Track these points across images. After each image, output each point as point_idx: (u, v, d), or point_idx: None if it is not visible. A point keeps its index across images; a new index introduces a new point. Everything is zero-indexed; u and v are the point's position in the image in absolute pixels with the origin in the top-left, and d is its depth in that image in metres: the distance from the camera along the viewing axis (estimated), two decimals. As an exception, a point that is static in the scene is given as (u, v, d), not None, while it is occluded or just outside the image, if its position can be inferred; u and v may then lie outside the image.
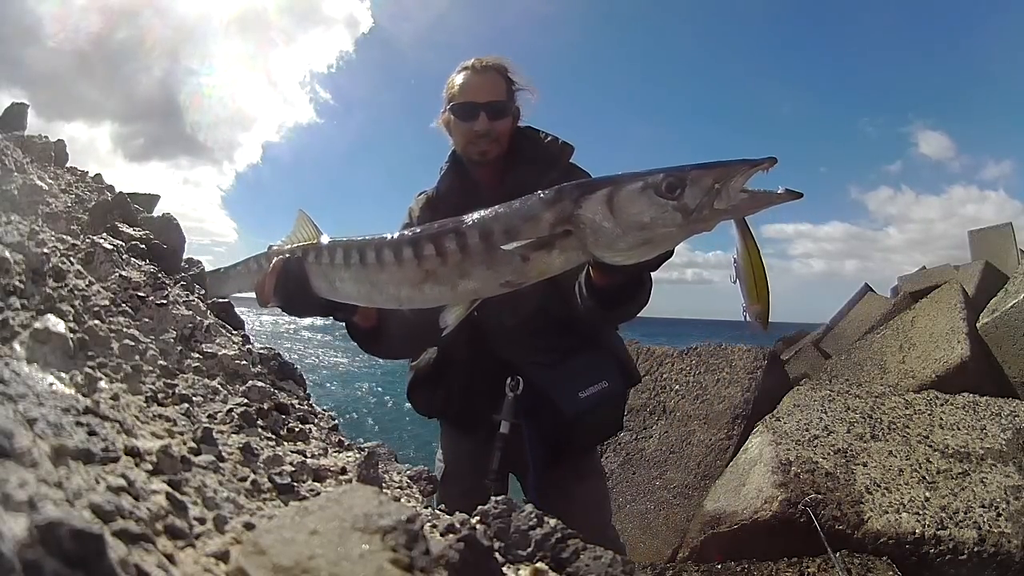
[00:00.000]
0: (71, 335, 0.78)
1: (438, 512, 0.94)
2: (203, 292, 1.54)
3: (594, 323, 1.39)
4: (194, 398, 0.92)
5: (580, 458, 1.59)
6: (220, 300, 1.53)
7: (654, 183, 0.85)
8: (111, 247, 1.34)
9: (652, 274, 1.14)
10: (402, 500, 1.06)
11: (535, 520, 0.72)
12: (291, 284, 1.21)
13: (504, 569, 0.63)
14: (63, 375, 0.68)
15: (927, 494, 2.28)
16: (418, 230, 1.07)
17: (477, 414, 1.47)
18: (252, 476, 0.75)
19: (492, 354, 1.44)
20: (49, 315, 0.79)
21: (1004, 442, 2.49)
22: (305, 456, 0.92)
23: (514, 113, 1.50)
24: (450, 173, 1.56)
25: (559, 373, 1.38)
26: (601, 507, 1.63)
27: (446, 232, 0.99)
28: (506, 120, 1.48)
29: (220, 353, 1.16)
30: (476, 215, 0.98)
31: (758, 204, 0.86)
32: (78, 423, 0.56)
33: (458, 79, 1.49)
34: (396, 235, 1.09)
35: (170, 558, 0.47)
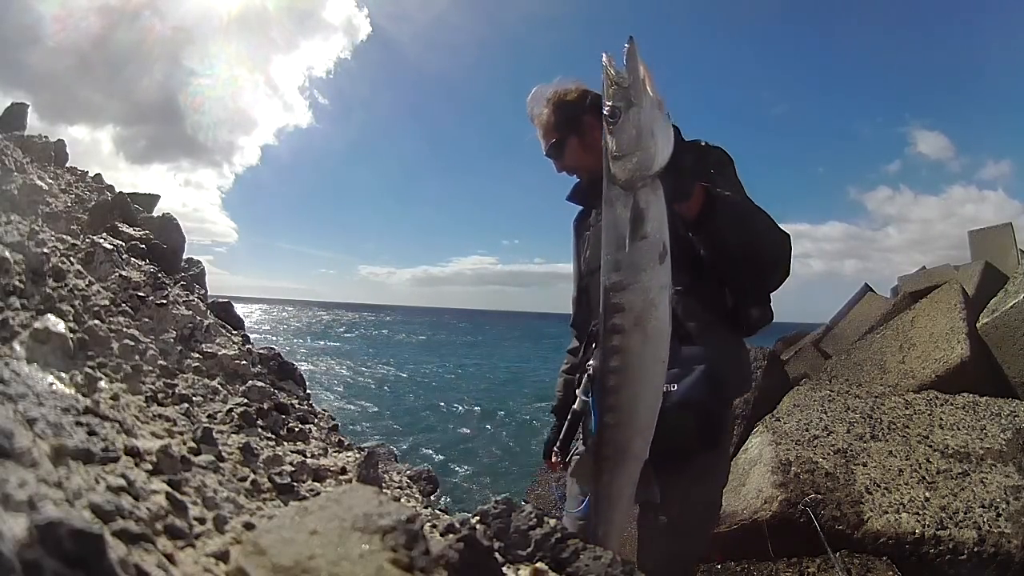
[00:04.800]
0: (71, 335, 0.78)
1: (438, 512, 0.94)
2: (203, 292, 1.55)
3: (740, 285, 1.29)
4: (194, 398, 0.92)
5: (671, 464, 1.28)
6: (220, 300, 1.52)
7: (607, 131, 1.03)
8: (111, 247, 1.34)
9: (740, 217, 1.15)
10: (402, 500, 1.06)
11: (535, 520, 0.72)
12: None
13: (504, 569, 0.63)
14: (63, 375, 0.68)
15: (927, 494, 2.28)
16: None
17: None
18: (252, 476, 0.75)
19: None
20: (49, 315, 0.79)
21: (1004, 442, 2.49)
22: (305, 456, 0.92)
23: (580, 131, 1.48)
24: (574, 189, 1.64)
25: None
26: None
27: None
28: (572, 149, 1.50)
29: (220, 353, 1.16)
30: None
31: (631, 57, 1.02)
32: (78, 423, 0.56)
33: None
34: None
35: (170, 558, 0.47)
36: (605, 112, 1.03)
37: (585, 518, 1.25)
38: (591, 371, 1.30)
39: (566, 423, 1.46)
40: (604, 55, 1.06)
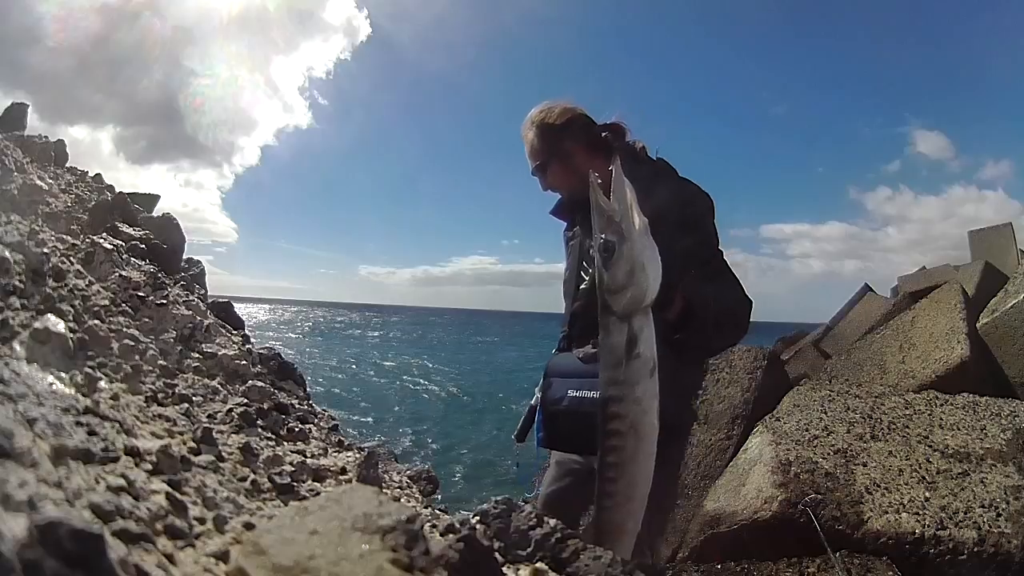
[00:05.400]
0: (71, 335, 0.78)
1: (438, 512, 0.94)
2: (203, 292, 1.55)
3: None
4: (194, 398, 0.92)
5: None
6: (220, 300, 1.53)
7: (603, 265, 1.12)
8: (111, 247, 1.34)
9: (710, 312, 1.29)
10: (402, 500, 1.06)
11: (535, 520, 0.72)
12: None
13: (504, 569, 0.63)
14: (63, 375, 0.68)
15: (927, 494, 2.28)
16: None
17: None
18: (252, 476, 0.75)
19: (575, 341, 1.61)
20: (49, 315, 0.79)
21: (1004, 442, 2.48)
22: (305, 456, 0.92)
23: (562, 155, 1.57)
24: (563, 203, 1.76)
25: (570, 364, 1.46)
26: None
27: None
28: (553, 172, 1.60)
29: (220, 353, 1.16)
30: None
31: (618, 181, 1.13)
32: (78, 423, 0.56)
33: None
34: None
35: (170, 558, 0.47)
36: (599, 245, 1.12)
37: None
38: (547, 369, 1.52)
39: (524, 414, 1.64)
40: (592, 174, 1.16)
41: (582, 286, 1.55)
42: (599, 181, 1.15)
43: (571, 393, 1.37)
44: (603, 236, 1.11)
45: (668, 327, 1.23)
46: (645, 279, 1.08)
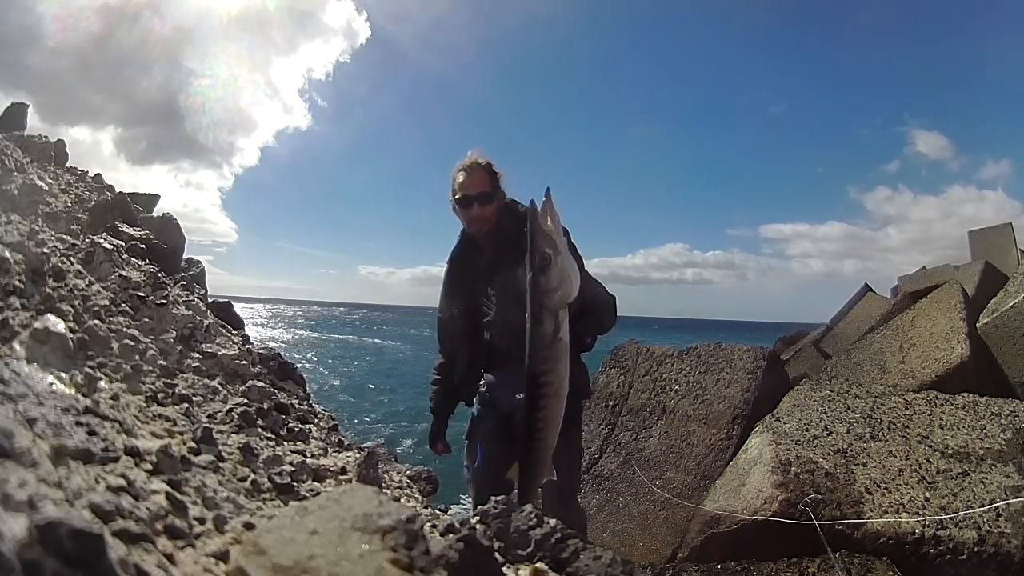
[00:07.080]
0: (71, 335, 0.78)
1: (438, 512, 0.94)
2: (203, 292, 1.55)
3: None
4: (194, 398, 0.92)
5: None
6: (220, 300, 1.52)
7: (541, 271, 1.45)
8: (111, 247, 1.34)
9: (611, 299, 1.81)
10: (402, 500, 1.06)
11: (535, 520, 0.72)
12: None
13: (504, 569, 0.63)
14: (63, 375, 0.68)
15: (927, 494, 2.28)
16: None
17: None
18: (252, 476, 0.75)
19: (496, 363, 2.01)
20: (49, 315, 0.79)
21: (1004, 442, 2.48)
22: (305, 456, 0.92)
23: (499, 197, 1.93)
24: (461, 243, 2.07)
25: (510, 378, 1.82)
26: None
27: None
28: (492, 206, 1.92)
29: (220, 353, 1.16)
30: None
31: (552, 211, 1.45)
32: (78, 423, 0.56)
33: (459, 177, 1.95)
34: None
35: (170, 558, 0.47)
36: (538, 257, 1.43)
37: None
38: (488, 386, 1.97)
39: (468, 424, 2.08)
40: (531, 201, 1.47)
41: (487, 319, 1.93)
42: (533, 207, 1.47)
43: (518, 396, 1.71)
44: (544, 249, 1.44)
45: (571, 318, 1.60)
46: (571, 283, 1.46)
